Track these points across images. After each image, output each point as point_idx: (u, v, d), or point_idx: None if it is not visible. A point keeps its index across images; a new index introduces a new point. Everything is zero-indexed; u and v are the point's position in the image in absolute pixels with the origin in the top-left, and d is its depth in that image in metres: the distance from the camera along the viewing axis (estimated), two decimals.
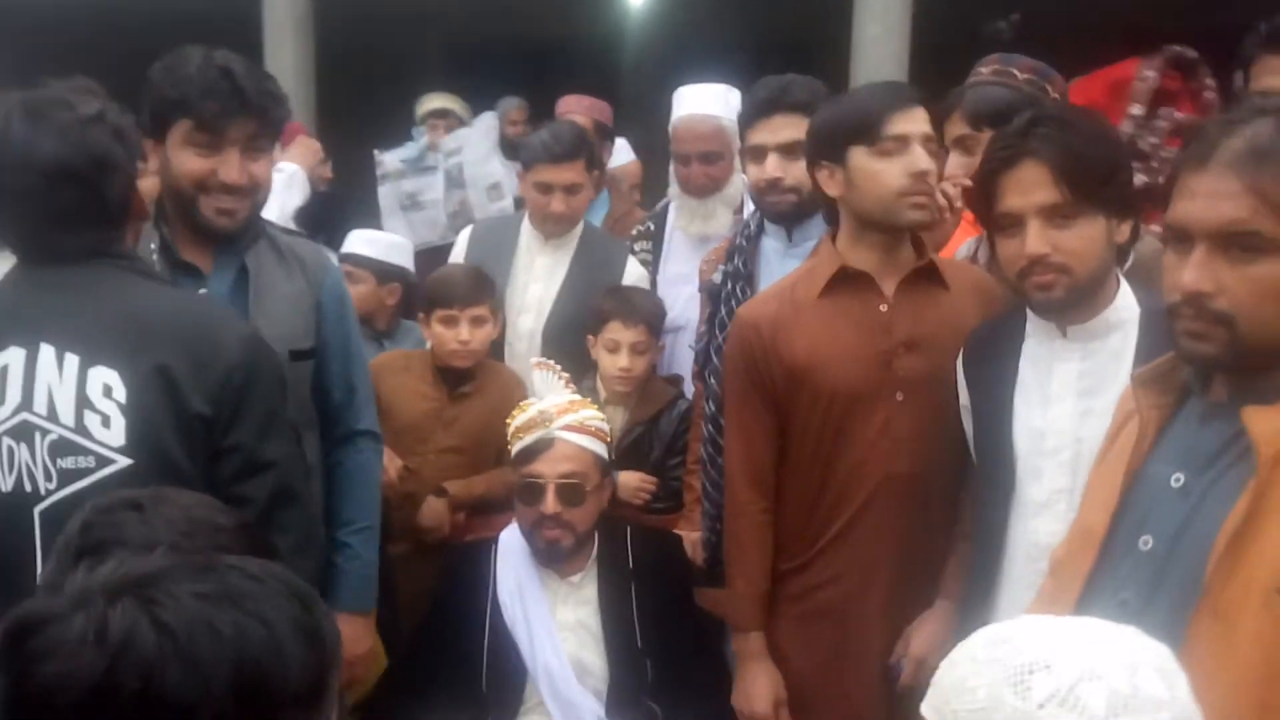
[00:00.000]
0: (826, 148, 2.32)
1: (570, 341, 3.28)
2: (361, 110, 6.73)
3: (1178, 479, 1.53)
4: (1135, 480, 1.59)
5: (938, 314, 2.34)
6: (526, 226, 3.49)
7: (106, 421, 1.86)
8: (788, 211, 2.79)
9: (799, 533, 2.42)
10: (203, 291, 2.33)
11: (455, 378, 3.18)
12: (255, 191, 2.33)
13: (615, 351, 3.17)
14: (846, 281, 2.35)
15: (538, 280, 3.41)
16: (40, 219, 1.95)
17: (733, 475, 2.49)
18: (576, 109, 4.40)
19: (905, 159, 2.24)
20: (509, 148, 5.96)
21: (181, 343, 1.91)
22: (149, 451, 1.86)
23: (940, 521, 2.37)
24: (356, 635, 2.48)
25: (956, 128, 2.54)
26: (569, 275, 3.42)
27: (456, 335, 3.13)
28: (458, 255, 3.57)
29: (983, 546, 2.13)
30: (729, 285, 2.85)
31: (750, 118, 2.80)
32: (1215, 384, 1.55)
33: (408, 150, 5.09)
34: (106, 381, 1.87)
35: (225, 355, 1.93)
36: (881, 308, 2.33)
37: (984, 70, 2.59)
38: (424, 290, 3.27)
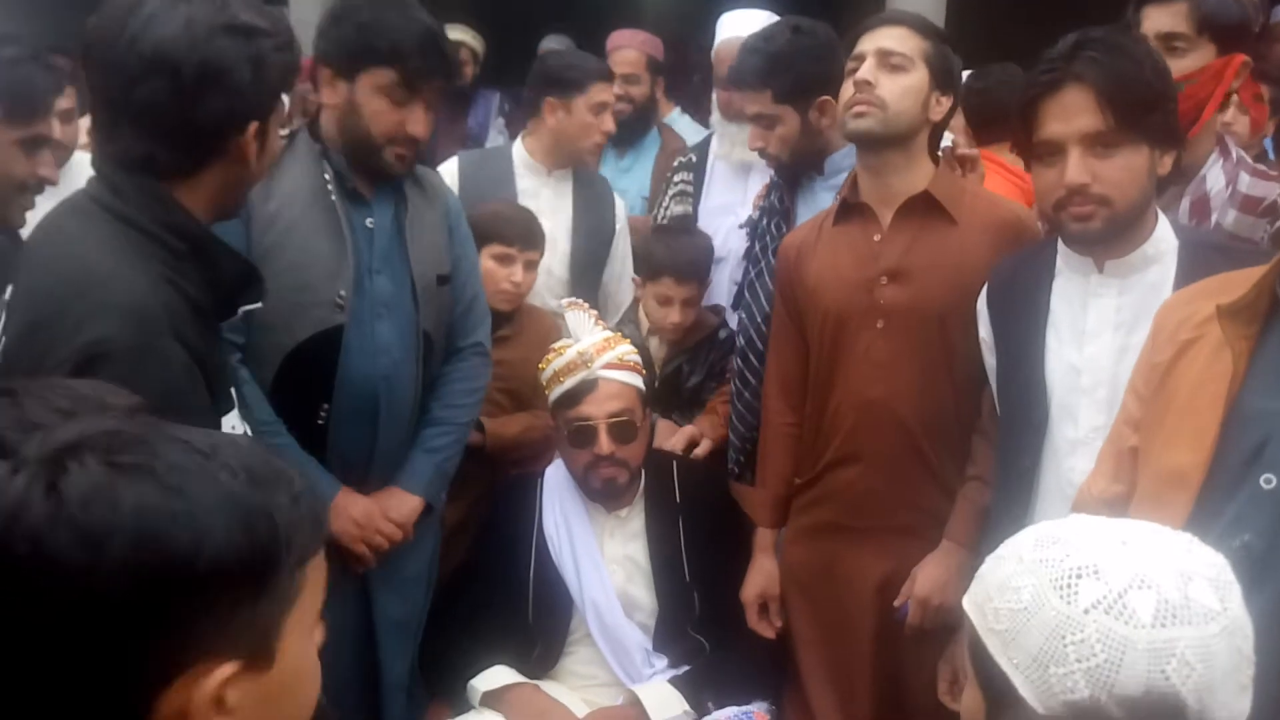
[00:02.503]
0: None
1: (592, 276, 3.36)
2: None
3: None
4: (1233, 416, 1.54)
5: (934, 246, 2.35)
6: (522, 158, 3.44)
7: None
8: (787, 175, 2.86)
9: (810, 452, 2.55)
10: (369, 222, 2.44)
11: (495, 320, 3.05)
12: (427, 139, 2.45)
13: (667, 304, 3.18)
14: (854, 211, 2.44)
15: (545, 215, 3.36)
16: (112, 110, 1.69)
17: (767, 386, 2.69)
18: (630, 43, 4.28)
19: (856, 75, 2.31)
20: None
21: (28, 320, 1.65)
22: None
23: (930, 456, 2.40)
24: (393, 505, 2.52)
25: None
26: (576, 210, 3.43)
27: (510, 275, 3.04)
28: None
29: (1010, 487, 2.11)
30: (764, 221, 2.89)
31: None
32: None
33: None
34: None
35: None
36: (875, 237, 2.41)
37: None
38: (479, 225, 3.08)
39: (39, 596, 0.86)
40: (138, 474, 0.89)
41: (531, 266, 3.11)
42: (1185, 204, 2.35)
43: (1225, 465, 1.53)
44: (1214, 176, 2.35)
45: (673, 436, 3.11)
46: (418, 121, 2.37)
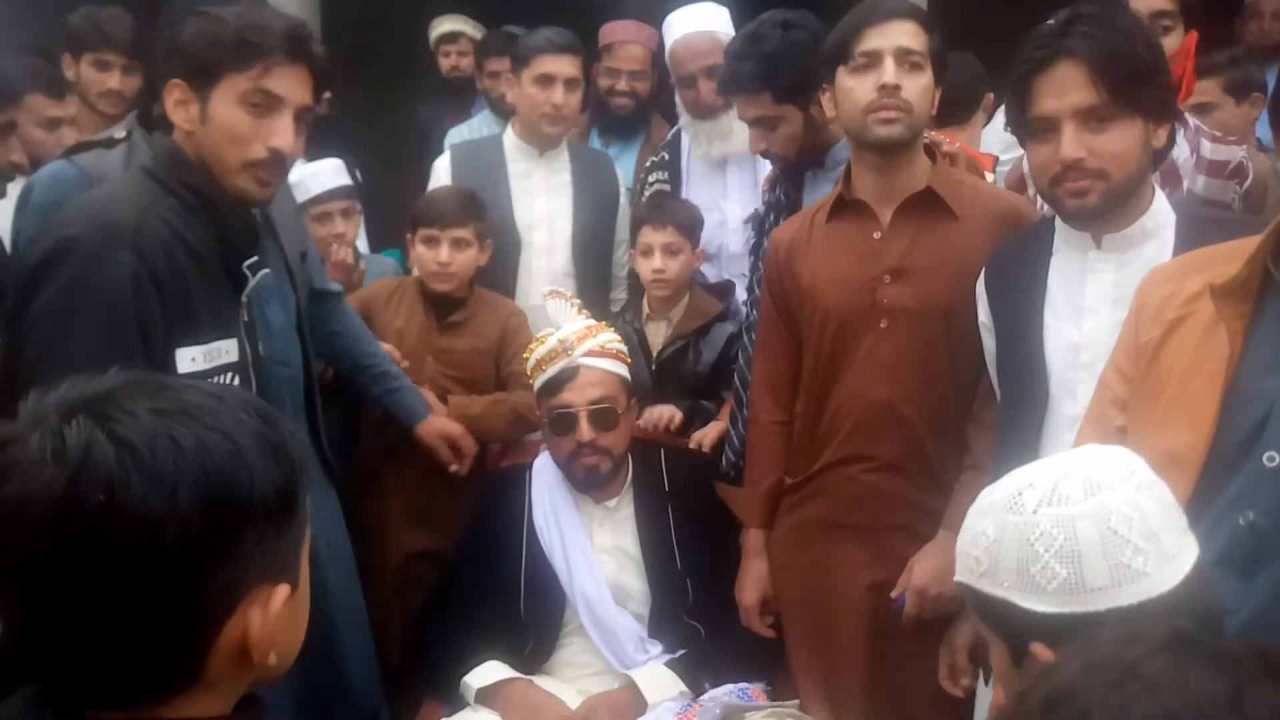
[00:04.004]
0: (825, 72, 2.34)
1: (598, 253, 3.33)
2: (369, 36, 6.49)
3: None
4: (1232, 396, 1.53)
5: (936, 243, 2.31)
6: (512, 142, 3.41)
7: None
8: (790, 172, 2.82)
9: (802, 451, 2.50)
10: None
11: (443, 306, 3.09)
12: None
13: (649, 255, 3.15)
14: (849, 207, 2.37)
15: (541, 195, 3.33)
16: None
17: (755, 383, 2.63)
18: (636, 38, 3.95)
19: (874, 73, 2.22)
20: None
21: None
22: None
23: (932, 455, 2.37)
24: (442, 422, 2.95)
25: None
26: (576, 188, 3.38)
27: (436, 256, 3.04)
28: (443, 180, 3.41)
29: (1010, 464, 2.03)
30: (771, 216, 2.84)
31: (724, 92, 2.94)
32: None
33: None
34: None
35: None
36: (875, 235, 2.35)
37: None
38: (413, 211, 3.15)
39: (114, 545, 0.88)
40: (182, 417, 0.93)
41: (461, 245, 3.05)
42: (1155, 175, 2.37)
43: (1225, 445, 1.52)
44: (1178, 146, 2.40)
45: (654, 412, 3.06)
46: None
